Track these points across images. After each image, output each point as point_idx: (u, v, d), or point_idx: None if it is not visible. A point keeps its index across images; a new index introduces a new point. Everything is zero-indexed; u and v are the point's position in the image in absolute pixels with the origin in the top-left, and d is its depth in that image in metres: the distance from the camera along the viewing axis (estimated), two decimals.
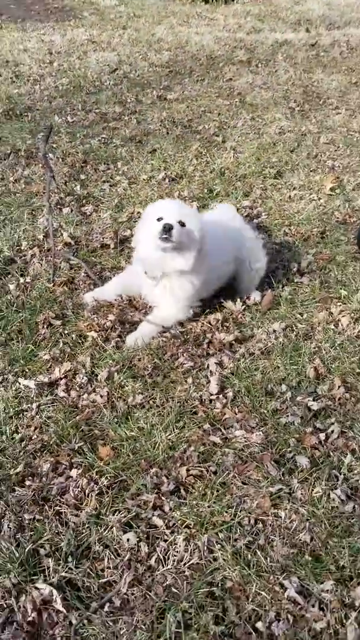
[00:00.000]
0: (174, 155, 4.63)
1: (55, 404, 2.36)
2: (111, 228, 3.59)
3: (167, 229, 2.52)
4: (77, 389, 2.45)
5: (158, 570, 1.78)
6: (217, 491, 2.01)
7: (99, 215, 3.75)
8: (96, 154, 4.59)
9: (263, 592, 1.71)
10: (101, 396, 2.40)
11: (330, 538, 1.85)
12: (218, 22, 9.33)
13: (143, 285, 2.84)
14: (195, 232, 2.62)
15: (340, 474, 2.06)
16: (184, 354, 2.63)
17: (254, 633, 1.62)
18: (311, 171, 4.42)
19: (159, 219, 2.61)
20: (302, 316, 2.89)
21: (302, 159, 4.62)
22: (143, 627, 1.63)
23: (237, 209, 3.82)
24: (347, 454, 2.13)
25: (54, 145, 4.66)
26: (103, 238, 3.48)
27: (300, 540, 1.85)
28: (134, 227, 3.60)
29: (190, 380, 2.49)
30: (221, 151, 4.74)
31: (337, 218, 3.75)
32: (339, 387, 2.42)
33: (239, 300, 2.95)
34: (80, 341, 2.70)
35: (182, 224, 2.59)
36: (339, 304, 2.94)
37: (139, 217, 3.70)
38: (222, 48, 7.79)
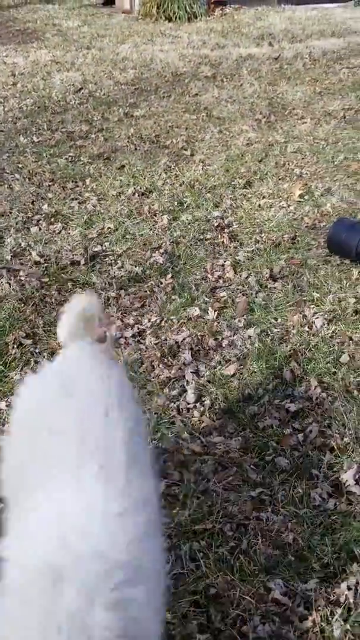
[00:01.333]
0: (143, 170, 4.65)
1: None
2: (81, 244, 3.58)
3: None
4: None
5: None
6: (198, 499, 1.99)
7: (68, 233, 3.74)
8: (63, 172, 4.59)
9: (247, 597, 1.68)
10: None
11: (313, 537, 1.83)
12: (182, 40, 9.44)
13: None
14: None
15: (320, 472, 2.05)
16: (160, 365, 2.62)
17: (239, 638, 1.59)
18: (280, 179, 4.46)
19: None
20: (276, 320, 2.89)
21: (270, 168, 4.66)
22: None
23: (208, 220, 3.85)
24: (326, 453, 2.12)
25: (20, 166, 4.66)
26: (73, 255, 3.47)
27: (283, 541, 1.83)
28: (104, 242, 3.62)
29: (167, 390, 2.48)
30: (190, 164, 4.77)
31: (307, 223, 3.78)
32: (315, 387, 2.42)
33: (210, 309, 2.95)
34: (52, 359, 2.67)
35: None
36: (312, 306, 2.96)
37: (109, 232, 3.74)
38: (187, 65, 7.88)
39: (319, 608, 1.64)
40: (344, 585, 1.69)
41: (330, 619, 1.62)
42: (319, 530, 1.86)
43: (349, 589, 1.68)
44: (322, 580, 1.72)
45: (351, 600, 1.65)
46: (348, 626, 1.60)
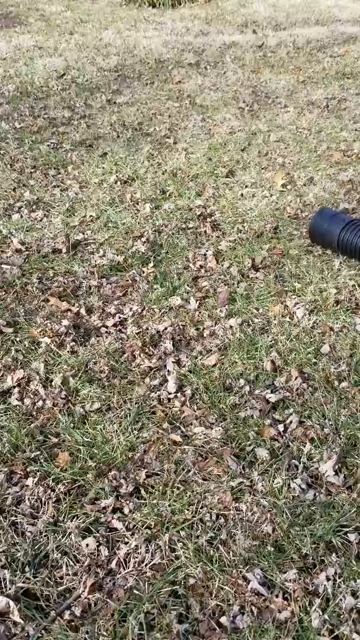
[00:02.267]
0: (125, 158, 4.61)
1: (9, 413, 2.31)
2: (63, 232, 3.54)
3: None
4: (32, 396, 2.40)
5: (119, 573, 1.74)
6: (178, 489, 1.98)
7: (50, 220, 3.70)
8: (46, 159, 4.53)
9: (226, 587, 1.69)
10: (56, 402, 2.36)
11: (292, 527, 1.84)
12: (166, 26, 9.34)
13: None
14: None
15: (300, 463, 2.06)
16: (141, 355, 2.60)
17: (218, 628, 1.59)
18: (262, 169, 4.44)
19: None
20: (258, 311, 2.88)
21: (253, 157, 4.63)
22: (105, 633, 1.59)
23: (190, 209, 3.83)
24: (306, 443, 2.13)
25: (1, 152, 4.59)
26: (55, 243, 3.43)
27: (262, 532, 1.84)
28: (86, 230, 3.59)
29: (147, 380, 2.47)
30: (173, 152, 4.73)
31: (289, 213, 3.77)
32: (296, 378, 2.42)
33: (192, 298, 2.94)
34: (33, 348, 2.66)
35: None
36: (293, 296, 2.95)
37: (91, 220, 3.71)
38: (170, 51, 7.79)
39: (298, 598, 1.65)
40: (322, 575, 1.70)
41: (308, 609, 1.63)
42: (298, 520, 1.87)
43: (327, 579, 1.69)
44: (301, 571, 1.72)
45: (330, 591, 1.66)
46: (326, 616, 1.61)
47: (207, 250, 3.36)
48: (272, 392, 2.36)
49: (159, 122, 5.38)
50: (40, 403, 2.36)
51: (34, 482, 2.00)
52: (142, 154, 4.66)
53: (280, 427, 2.20)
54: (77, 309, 2.89)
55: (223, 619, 1.61)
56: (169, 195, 4.04)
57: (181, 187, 4.13)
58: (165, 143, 4.93)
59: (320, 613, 1.61)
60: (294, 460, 2.06)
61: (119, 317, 2.86)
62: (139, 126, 5.30)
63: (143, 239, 3.48)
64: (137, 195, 4.01)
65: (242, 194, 4.03)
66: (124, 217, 3.74)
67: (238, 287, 3.04)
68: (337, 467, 2.01)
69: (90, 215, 3.76)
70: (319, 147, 4.70)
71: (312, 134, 5.01)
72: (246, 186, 4.15)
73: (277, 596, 1.66)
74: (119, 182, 4.20)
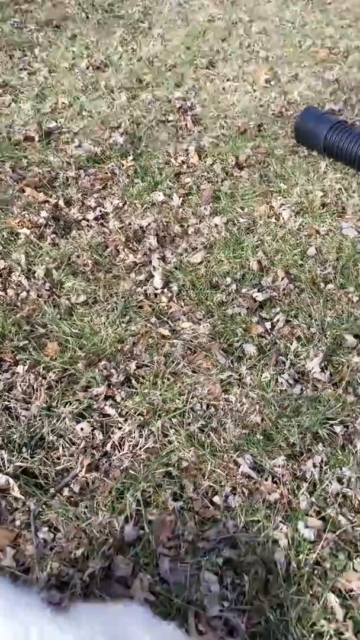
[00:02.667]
0: (97, 42, 4.32)
1: None
2: (34, 119, 3.35)
3: None
4: (14, 287, 2.35)
5: (114, 456, 1.80)
6: (168, 380, 2.02)
7: (19, 106, 3.48)
8: (9, 39, 4.20)
9: (218, 470, 1.77)
10: (40, 294, 2.32)
11: (280, 418, 1.91)
12: None
13: None
14: None
15: (287, 359, 2.12)
16: (125, 250, 2.56)
17: (211, 506, 1.69)
18: (244, 62, 4.25)
19: None
20: (243, 210, 2.85)
21: (234, 48, 4.42)
22: (104, 508, 1.66)
23: (169, 100, 3.67)
24: (293, 341, 2.18)
25: None
26: (26, 130, 3.25)
27: (251, 421, 1.91)
28: (59, 118, 3.40)
29: (133, 275, 2.45)
30: (148, 38, 4.46)
31: (274, 111, 3.66)
32: (282, 278, 2.44)
33: (175, 195, 2.87)
34: (12, 239, 2.58)
35: None
36: (279, 197, 2.92)
37: (64, 108, 3.52)
38: None
39: (287, 482, 1.75)
40: (309, 462, 1.79)
41: (297, 492, 1.73)
42: (286, 412, 1.94)
43: (314, 466, 1.79)
44: (289, 458, 1.82)
45: (316, 477, 1.76)
46: (314, 499, 1.72)
47: (189, 146, 3.25)
48: (259, 291, 2.38)
49: (131, 4, 5.02)
50: (24, 294, 2.32)
51: (25, 369, 2.01)
52: (115, 39, 4.38)
53: (268, 325, 2.24)
54: (55, 200, 2.79)
55: (216, 498, 1.71)
56: (146, 84, 3.85)
57: (158, 76, 3.93)
58: (139, 27, 4.63)
59: (308, 496, 1.72)
60: (281, 357, 2.12)
61: (100, 211, 2.78)
62: (110, 7, 4.94)
63: (120, 130, 3.33)
64: (112, 82, 3.80)
65: (223, 88, 3.87)
66: (99, 106, 3.56)
67: (222, 186, 2.98)
68: (323, 364, 2.08)
69: (62, 102, 3.55)
70: (303, 43, 4.50)
71: (295, 28, 4.78)
72: (228, 79, 3.98)
73: (266, 480, 1.76)
74: (91, 68, 3.96)
